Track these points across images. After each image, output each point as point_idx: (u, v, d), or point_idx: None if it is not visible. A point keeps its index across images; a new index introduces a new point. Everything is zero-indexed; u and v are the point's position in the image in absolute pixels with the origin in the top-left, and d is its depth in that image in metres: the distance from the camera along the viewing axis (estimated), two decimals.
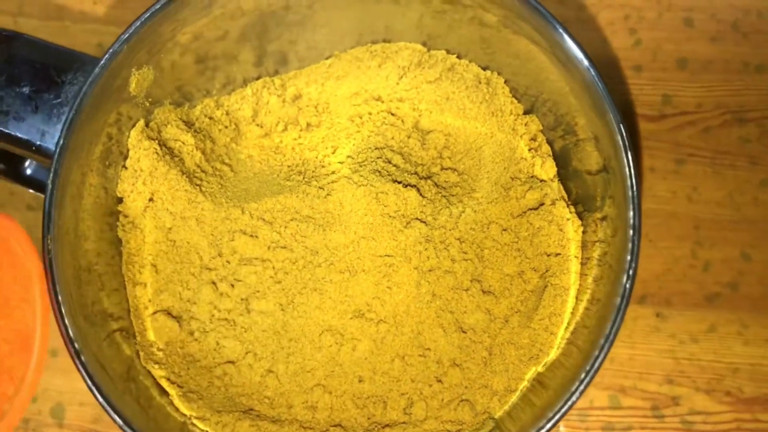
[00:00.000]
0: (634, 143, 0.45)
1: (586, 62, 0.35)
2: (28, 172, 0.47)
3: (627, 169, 0.33)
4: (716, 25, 0.52)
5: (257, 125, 0.43)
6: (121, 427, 0.33)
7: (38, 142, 0.35)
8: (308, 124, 0.43)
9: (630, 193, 0.33)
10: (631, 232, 0.32)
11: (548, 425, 0.34)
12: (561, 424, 0.46)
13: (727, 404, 0.46)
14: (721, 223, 0.49)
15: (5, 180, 0.47)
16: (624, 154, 0.33)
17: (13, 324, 0.38)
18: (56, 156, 0.34)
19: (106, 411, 0.33)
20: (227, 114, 0.43)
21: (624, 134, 0.33)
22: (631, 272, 0.32)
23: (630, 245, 0.32)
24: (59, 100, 0.35)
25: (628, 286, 0.32)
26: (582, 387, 0.33)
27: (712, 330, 0.47)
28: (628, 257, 0.32)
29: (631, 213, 0.33)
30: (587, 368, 0.33)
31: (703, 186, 0.49)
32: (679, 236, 0.49)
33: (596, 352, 0.32)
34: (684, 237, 0.49)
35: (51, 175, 0.33)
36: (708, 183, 0.49)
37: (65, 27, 0.53)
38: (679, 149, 0.50)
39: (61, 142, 0.34)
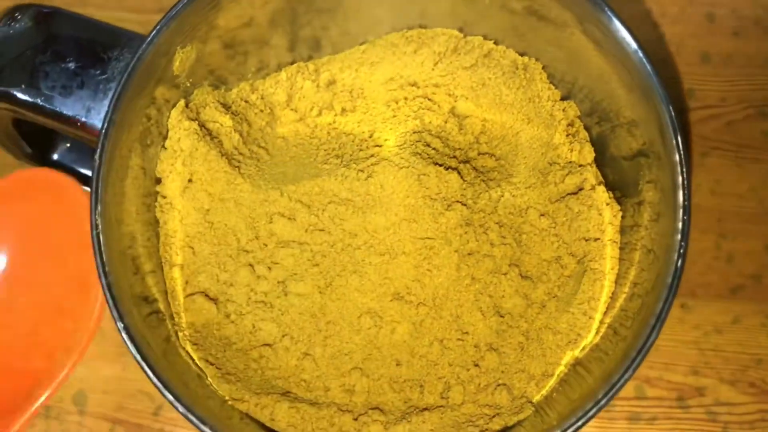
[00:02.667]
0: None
1: (634, 44, 0.35)
2: (55, 157, 0.46)
3: (676, 151, 0.33)
4: (738, 20, 0.52)
5: (292, 110, 0.43)
6: (169, 401, 0.32)
7: (83, 119, 0.35)
8: (343, 109, 0.43)
9: (680, 176, 0.33)
10: (681, 212, 0.33)
11: (594, 410, 0.33)
12: None
13: (751, 395, 0.47)
14: (745, 216, 0.49)
15: (33, 165, 0.46)
16: (672, 135, 0.33)
17: (69, 270, 0.43)
18: (104, 131, 0.33)
19: (155, 384, 0.32)
20: (262, 98, 0.43)
21: (672, 115, 0.33)
22: (682, 251, 0.32)
23: (680, 225, 0.32)
24: (105, 75, 0.35)
25: (679, 264, 0.32)
26: (630, 371, 0.33)
27: (736, 321, 0.48)
28: (678, 237, 0.32)
29: (681, 195, 0.33)
30: (638, 349, 0.33)
31: (727, 179, 0.50)
32: (702, 229, 0.49)
33: (647, 332, 0.33)
34: (708, 229, 0.49)
35: (98, 150, 0.33)
36: (731, 176, 0.50)
37: (88, 15, 0.53)
38: (703, 142, 0.50)
39: (109, 116, 0.33)
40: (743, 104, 0.51)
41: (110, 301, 0.33)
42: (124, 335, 0.33)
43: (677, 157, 0.33)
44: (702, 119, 0.51)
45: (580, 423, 0.33)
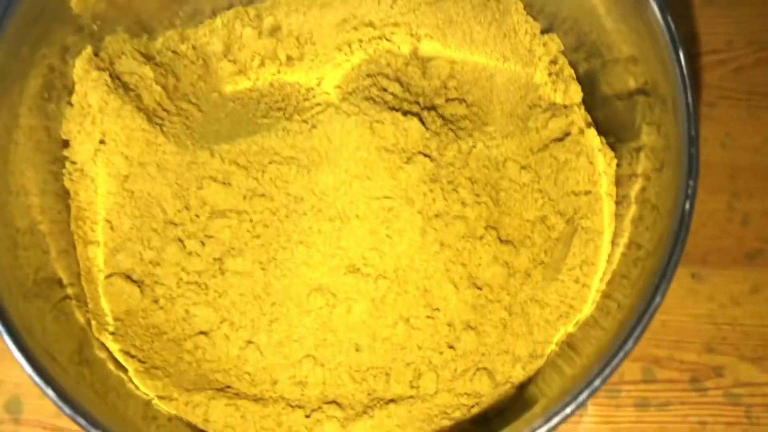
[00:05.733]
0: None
1: None
2: None
3: (680, 78, 0.30)
4: None
5: (230, 61, 0.41)
6: (81, 425, 0.29)
7: None
8: (289, 58, 0.41)
9: (684, 105, 0.30)
10: (688, 144, 0.29)
11: (582, 396, 0.30)
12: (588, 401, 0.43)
13: None
14: (760, 172, 0.46)
15: None
16: (676, 66, 0.30)
17: None
18: None
19: (58, 406, 0.29)
20: (194, 48, 0.40)
21: (678, 45, 0.30)
22: (690, 192, 0.28)
23: (687, 162, 0.29)
24: None
25: (687, 207, 0.28)
26: (627, 347, 0.29)
27: (755, 291, 0.44)
28: (686, 177, 0.29)
29: (687, 124, 0.29)
30: (635, 321, 0.29)
31: (738, 131, 0.47)
32: (712, 188, 0.46)
33: (649, 295, 0.29)
34: (718, 188, 0.46)
35: None
36: (743, 127, 0.47)
37: None
38: (709, 91, 0.48)
39: None
40: (753, 47, 0.48)
41: None
42: (15, 350, 0.30)
43: (685, 107, 0.30)
44: (708, 66, 0.48)
45: (568, 410, 0.29)
